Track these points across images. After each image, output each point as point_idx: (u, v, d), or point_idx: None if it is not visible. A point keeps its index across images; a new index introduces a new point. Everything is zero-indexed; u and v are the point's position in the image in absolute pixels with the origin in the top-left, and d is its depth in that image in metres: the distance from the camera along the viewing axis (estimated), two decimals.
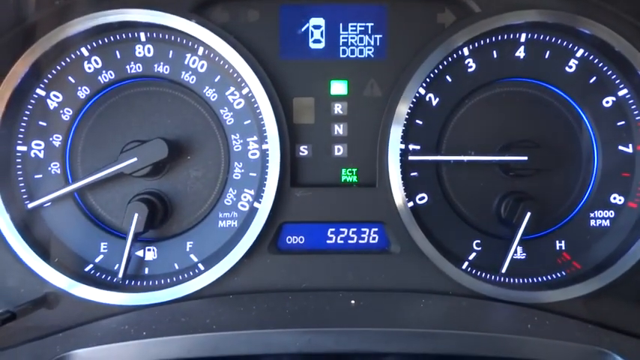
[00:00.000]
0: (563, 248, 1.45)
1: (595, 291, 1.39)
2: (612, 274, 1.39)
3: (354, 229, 1.46)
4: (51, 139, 1.42)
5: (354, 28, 1.46)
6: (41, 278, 1.39)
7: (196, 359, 1.14)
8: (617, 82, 1.42)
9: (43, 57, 1.39)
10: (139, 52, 1.42)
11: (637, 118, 1.42)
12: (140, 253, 1.45)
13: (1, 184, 1.40)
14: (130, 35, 1.41)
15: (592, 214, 1.45)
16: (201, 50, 1.41)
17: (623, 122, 1.43)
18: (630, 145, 1.43)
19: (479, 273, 1.43)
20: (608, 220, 1.45)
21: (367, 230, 1.46)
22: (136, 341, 1.15)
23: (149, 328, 1.21)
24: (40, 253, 1.40)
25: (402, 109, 1.40)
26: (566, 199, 1.46)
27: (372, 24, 1.45)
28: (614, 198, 1.44)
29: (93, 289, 1.39)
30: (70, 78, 1.41)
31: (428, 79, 1.41)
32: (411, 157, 1.42)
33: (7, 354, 1.21)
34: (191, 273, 1.43)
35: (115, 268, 1.42)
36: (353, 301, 1.31)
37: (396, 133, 1.40)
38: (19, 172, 1.41)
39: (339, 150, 1.47)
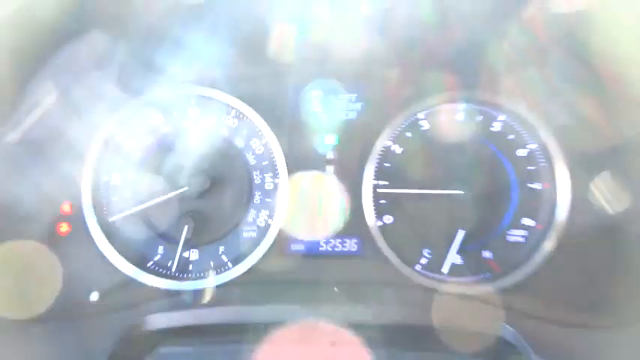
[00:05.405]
0: (489, 257, 1.64)
1: (509, 286, 1.56)
2: (522, 274, 1.57)
3: (339, 240, 1.65)
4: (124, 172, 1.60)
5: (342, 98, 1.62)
6: (117, 269, 1.58)
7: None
8: (527, 138, 1.62)
9: None
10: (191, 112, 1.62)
11: (541, 164, 1.61)
12: (186, 254, 1.63)
13: (94, 203, 1.60)
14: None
15: (510, 232, 1.63)
16: (233, 112, 1.62)
17: (533, 167, 1.61)
18: (539, 184, 1.61)
19: (427, 273, 1.61)
20: (522, 237, 1.63)
21: (349, 241, 1.65)
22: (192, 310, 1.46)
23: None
24: (117, 252, 1.59)
25: (374, 156, 1.60)
26: (494, 221, 1.62)
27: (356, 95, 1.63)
28: (526, 221, 1.62)
29: (153, 277, 1.59)
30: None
31: (393, 135, 1.61)
32: (379, 190, 1.64)
33: (98, 320, 1.46)
34: (223, 269, 1.62)
35: (169, 264, 1.61)
36: (336, 289, 1.56)
37: (369, 172, 1.62)
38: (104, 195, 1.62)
39: None
